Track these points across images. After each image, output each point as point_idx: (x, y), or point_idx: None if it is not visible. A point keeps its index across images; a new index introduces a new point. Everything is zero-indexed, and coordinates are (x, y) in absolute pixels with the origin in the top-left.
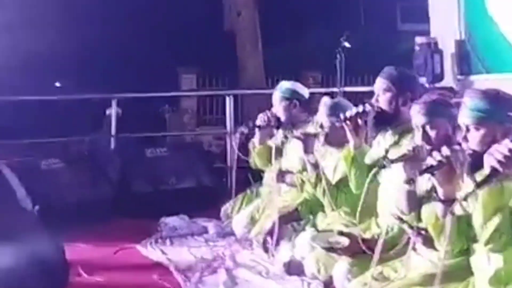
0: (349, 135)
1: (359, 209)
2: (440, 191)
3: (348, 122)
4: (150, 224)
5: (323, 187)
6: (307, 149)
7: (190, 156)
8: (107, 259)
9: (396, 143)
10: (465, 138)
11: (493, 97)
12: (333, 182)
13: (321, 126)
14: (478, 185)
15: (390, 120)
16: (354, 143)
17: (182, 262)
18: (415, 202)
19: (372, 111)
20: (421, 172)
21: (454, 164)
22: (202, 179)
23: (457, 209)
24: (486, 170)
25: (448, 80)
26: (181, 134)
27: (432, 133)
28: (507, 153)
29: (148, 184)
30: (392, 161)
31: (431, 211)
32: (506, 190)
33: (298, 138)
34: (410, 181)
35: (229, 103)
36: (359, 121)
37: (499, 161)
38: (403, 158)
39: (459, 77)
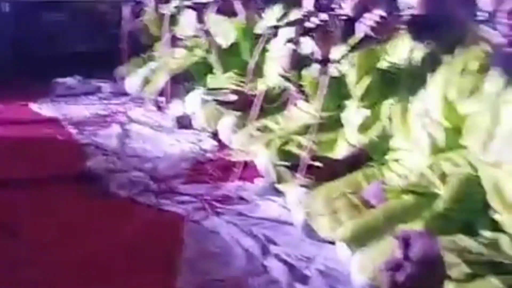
0: (239, 8)
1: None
2: (318, 52)
3: None
4: (47, 85)
5: (215, 51)
6: (200, 18)
7: (86, 22)
8: (1, 114)
9: (285, 14)
10: (340, 5)
11: None
12: (224, 47)
13: None
14: (352, 48)
15: None
16: (246, 14)
17: (76, 117)
18: (297, 61)
19: None
20: (302, 34)
21: (330, 27)
22: (98, 44)
23: (331, 70)
24: (359, 35)
25: None
26: (77, 1)
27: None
28: (378, 20)
29: (45, 47)
30: (286, 25)
31: (309, 70)
32: (375, 53)
33: (190, 7)
34: (294, 40)
35: None
36: None
37: (371, 27)
38: (294, 23)
39: None
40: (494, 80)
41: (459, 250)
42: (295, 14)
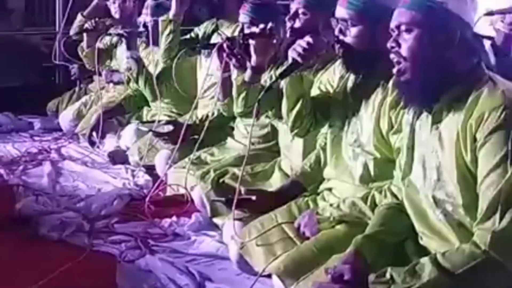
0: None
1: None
2: (254, 59)
3: None
4: None
5: (144, 78)
6: (130, 45)
7: (17, 56)
8: None
9: (214, 30)
10: (292, 19)
11: None
12: (154, 75)
13: (144, 26)
14: (281, 75)
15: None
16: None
17: (6, 157)
18: (231, 88)
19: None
20: (243, 38)
21: (273, 37)
22: (29, 78)
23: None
24: (289, 62)
25: None
26: (7, 33)
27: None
28: (306, 47)
29: None
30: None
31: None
32: (305, 80)
33: (121, 35)
34: (225, 68)
35: (58, 3)
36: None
37: (299, 54)
38: (216, 46)
39: None
40: (408, 113)
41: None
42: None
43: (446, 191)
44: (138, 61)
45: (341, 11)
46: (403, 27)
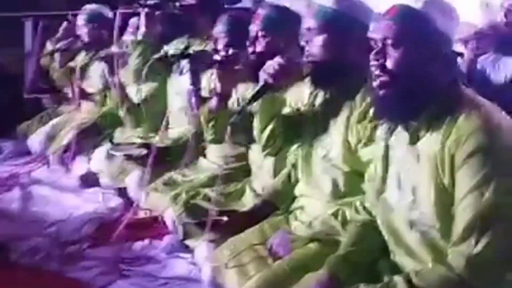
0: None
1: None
2: (219, 86)
3: None
4: None
5: (126, 106)
6: (111, 70)
7: None
8: None
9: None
10: (253, 43)
11: (282, 10)
12: (136, 102)
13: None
14: (253, 97)
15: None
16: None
17: None
18: (199, 101)
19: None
20: (208, 66)
21: (236, 63)
22: None
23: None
24: (259, 84)
25: (246, 2)
26: None
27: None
28: (277, 68)
29: None
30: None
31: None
32: (277, 100)
33: (102, 59)
34: (196, 82)
35: (27, 26)
36: None
37: (270, 75)
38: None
39: None
40: (381, 126)
41: None
42: (198, 46)
43: (421, 211)
44: (121, 87)
45: (307, 21)
46: (389, 41)
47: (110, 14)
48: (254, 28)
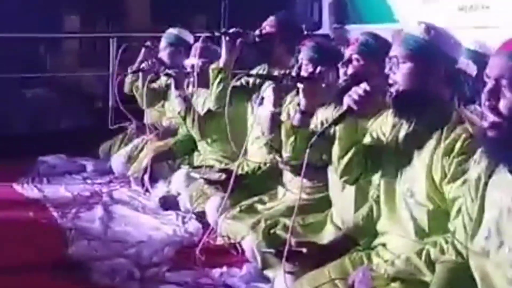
0: (223, 51)
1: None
2: (303, 102)
3: None
4: (29, 164)
5: (192, 117)
6: (178, 85)
7: (70, 97)
8: None
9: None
10: (346, 66)
11: (378, 38)
12: (202, 114)
13: (193, 67)
14: (335, 121)
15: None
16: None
17: (59, 199)
18: (277, 124)
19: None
20: (293, 80)
21: (322, 81)
22: (82, 120)
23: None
24: (343, 108)
25: (325, 29)
26: (61, 75)
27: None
28: (362, 94)
29: (28, 125)
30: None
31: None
32: (359, 128)
33: (169, 74)
34: (276, 104)
35: (112, 45)
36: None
37: (355, 101)
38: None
39: (335, 25)
40: (478, 164)
41: None
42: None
43: None
44: (186, 100)
45: (393, 49)
46: (505, 81)
47: (191, 38)
48: (349, 51)
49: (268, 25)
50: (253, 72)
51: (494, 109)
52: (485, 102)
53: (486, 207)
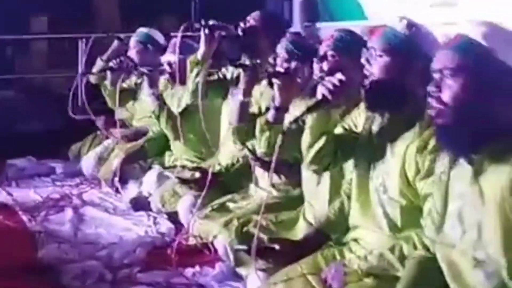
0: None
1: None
2: (278, 98)
3: None
4: None
5: (166, 116)
6: (152, 83)
7: (39, 99)
8: None
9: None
10: (321, 62)
11: (353, 34)
12: (177, 112)
13: (169, 64)
14: (308, 109)
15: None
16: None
17: (28, 203)
18: (247, 114)
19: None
20: (268, 76)
21: (297, 77)
22: (51, 122)
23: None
24: (317, 97)
25: (296, 27)
26: (30, 76)
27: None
28: (337, 84)
29: None
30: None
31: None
32: (330, 118)
33: (143, 73)
34: (246, 93)
35: (81, 46)
36: None
37: (329, 90)
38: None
39: (305, 23)
40: (443, 160)
41: None
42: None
43: (488, 251)
44: (159, 98)
45: (372, 40)
46: (446, 72)
47: (162, 38)
48: (324, 48)
49: (252, 18)
50: (229, 70)
51: (438, 99)
52: (430, 93)
53: (450, 199)
